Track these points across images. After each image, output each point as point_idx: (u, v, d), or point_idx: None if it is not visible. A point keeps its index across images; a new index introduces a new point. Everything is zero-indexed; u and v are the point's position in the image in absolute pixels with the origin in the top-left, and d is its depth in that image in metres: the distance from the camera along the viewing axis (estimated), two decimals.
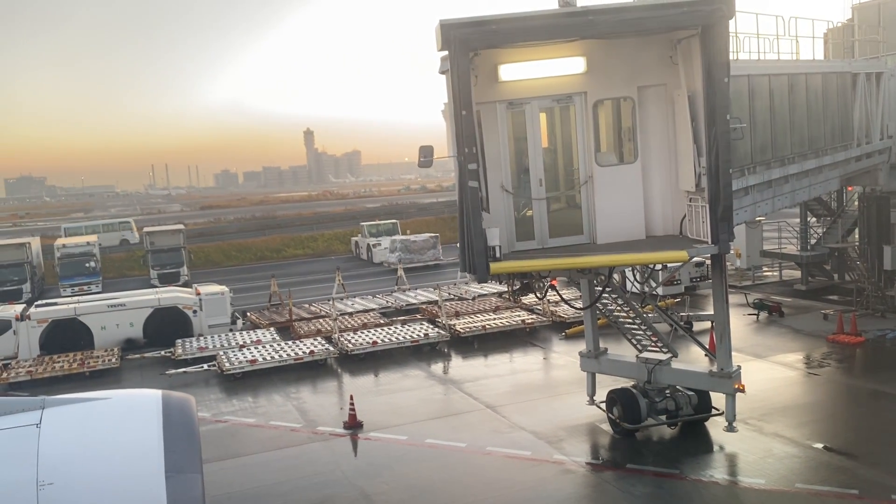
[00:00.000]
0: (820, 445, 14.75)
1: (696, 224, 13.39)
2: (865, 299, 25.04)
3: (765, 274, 33.32)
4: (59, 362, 23.75)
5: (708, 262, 22.73)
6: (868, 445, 14.62)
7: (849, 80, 21.36)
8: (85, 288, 39.59)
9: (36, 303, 28.10)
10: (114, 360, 23.81)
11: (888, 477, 13.19)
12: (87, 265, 41.52)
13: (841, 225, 29.29)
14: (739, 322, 24.35)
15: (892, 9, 26.53)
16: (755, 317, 25.37)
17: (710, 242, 12.83)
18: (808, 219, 30.73)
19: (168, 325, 26.31)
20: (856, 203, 28.32)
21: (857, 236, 28.17)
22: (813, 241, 30.37)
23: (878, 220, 25.85)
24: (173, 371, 22.46)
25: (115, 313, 26.18)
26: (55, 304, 27.40)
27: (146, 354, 24.59)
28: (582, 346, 17.35)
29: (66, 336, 25.42)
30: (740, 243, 30.84)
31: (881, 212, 25.79)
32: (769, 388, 18.09)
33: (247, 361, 22.13)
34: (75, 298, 29.83)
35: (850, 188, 28.53)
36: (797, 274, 30.98)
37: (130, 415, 5.46)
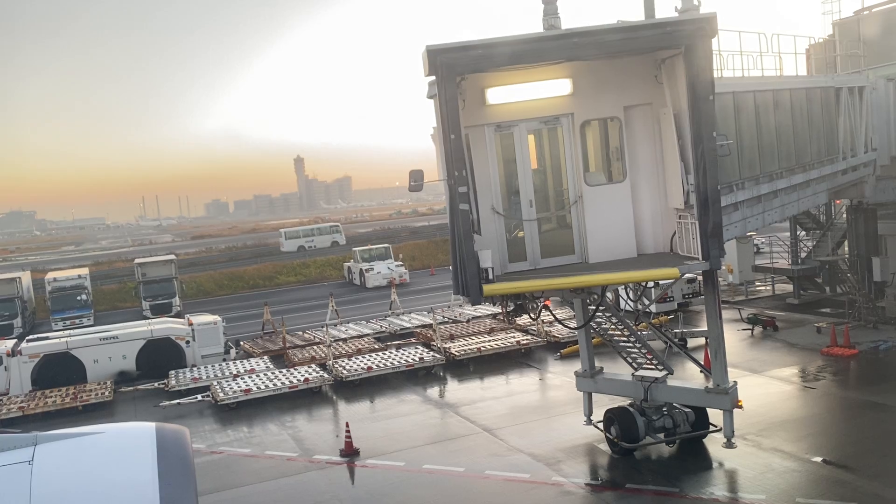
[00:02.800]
0: (819, 459, 14.72)
1: (687, 241, 13.46)
2: (857, 311, 25.14)
3: (757, 289, 33.45)
4: (51, 397, 23.53)
5: (700, 278, 22.82)
6: (867, 458, 14.58)
7: (832, 94, 21.59)
8: (77, 321, 39.44)
9: (27, 337, 27.86)
10: (107, 393, 23.61)
11: (888, 489, 13.16)
12: (78, 298, 41.39)
13: (830, 238, 29.48)
14: (734, 337, 24.37)
15: (872, 24, 26.92)
16: (749, 332, 25.42)
17: (700, 259, 12.89)
18: (798, 232, 30.90)
19: (161, 357, 26.14)
20: (844, 215, 28.52)
21: (846, 248, 28.34)
22: (803, 255, 30.53)
23: (867, 232, 26.08)
24: (167, 403, 22.25)
25: (108, 346, 25.99)
26: (47, 338, 27.17)
27: (139, 387, 24.38)
28: (577, 365, 17.32)
29: (59, 370, 25.19)
30: (732, 259, 30.96)
31: (869, 223, 26.02)
32: (766, 402, 18.07)
33: (241, 391, 21.98)
34: (67, 332, 29.57)
35: (837, 201, 28.74)
36: (789, 288, 31.10)
37: (124, 449, 5.41)
